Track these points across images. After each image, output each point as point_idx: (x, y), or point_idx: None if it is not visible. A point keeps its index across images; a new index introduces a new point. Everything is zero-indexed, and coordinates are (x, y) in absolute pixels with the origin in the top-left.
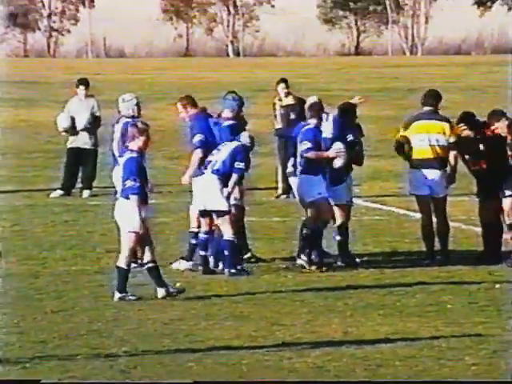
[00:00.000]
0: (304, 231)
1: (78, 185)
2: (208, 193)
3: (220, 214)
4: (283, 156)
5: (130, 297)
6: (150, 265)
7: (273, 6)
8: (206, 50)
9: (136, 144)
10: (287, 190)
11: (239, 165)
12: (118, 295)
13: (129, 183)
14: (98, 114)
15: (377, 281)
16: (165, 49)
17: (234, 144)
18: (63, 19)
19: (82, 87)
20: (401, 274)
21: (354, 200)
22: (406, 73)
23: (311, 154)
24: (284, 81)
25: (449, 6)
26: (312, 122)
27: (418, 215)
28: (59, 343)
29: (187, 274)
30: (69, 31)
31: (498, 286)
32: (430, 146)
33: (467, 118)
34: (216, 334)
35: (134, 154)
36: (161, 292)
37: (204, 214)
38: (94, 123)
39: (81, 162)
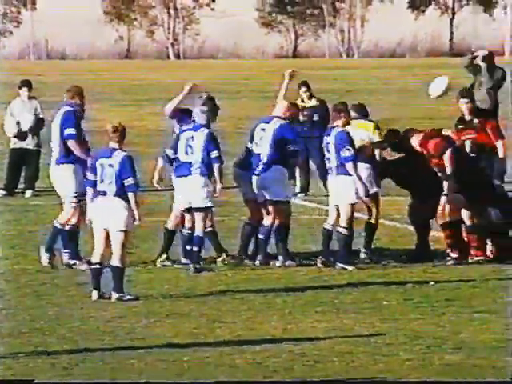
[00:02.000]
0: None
1: (21, 185)
2: (193, 192)
3: (201, 210)
4: (305, 156)
5: (128, 296)
6: (97, 266)
7: (212, 9)
8: (147, 52)
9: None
10: (306, 187)
11: (214, 154)
12: (115, 295)
13: (130, 181)
14: (41, 115)
15: (315, 278)
16: (106, 51)
17: (202, 137)
18: (5, 21)
19: (24, 89)
20: (338, 272)
21: (294, 200)
22: (343, 75)
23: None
24: (305, 84)
25: (384, 10)
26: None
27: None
28: (1, 342)
29: (129, 272)
30: (11, 33)
31: (431, 283)
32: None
33: (390, 137)
34: (157, 331)
35: (128, 153)
36: (112, 295)
37: (188, 211)
38: (38, 124)
39: (24, 162)
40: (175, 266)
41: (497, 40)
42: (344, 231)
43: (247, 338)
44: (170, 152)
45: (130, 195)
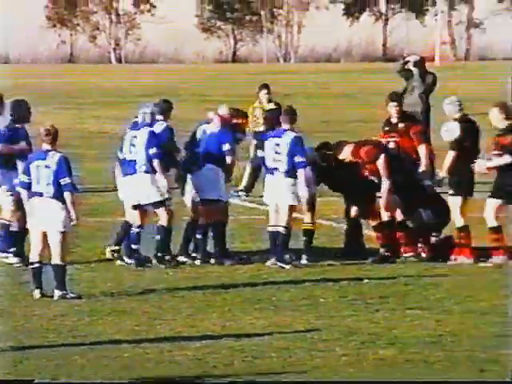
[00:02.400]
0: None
1: None
2: (141, 189)
3: (156, 205)
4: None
5: (71, 294)
6: (36, 265)
7: (153, 15)
8: (89, 56)
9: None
10: (250, 188)
11: (152, 150)
12: (58, 293)
13: (67, 180)
14: None
15: (253, 277)
16: (49, 55)
17: (144, 135)
18: None
19: None
20: (275, 270)
21: (233, 200)
22: (280, 79)
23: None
24: (266, 87)
25: (320, 16)
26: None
27: (294, 215)
28: None
29: (72, 271)
30: None
31: (366, 281)
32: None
33: (322, 149)
34: (99, 328)
35: (64, 154)
36: (36, 292)
37: (136, 208)
38: None
39: None
40: (118, 262)
41: (428, 46)
42: (283, 231)
43: (187, 334)
44: (119, 153)
45: (67, 195)
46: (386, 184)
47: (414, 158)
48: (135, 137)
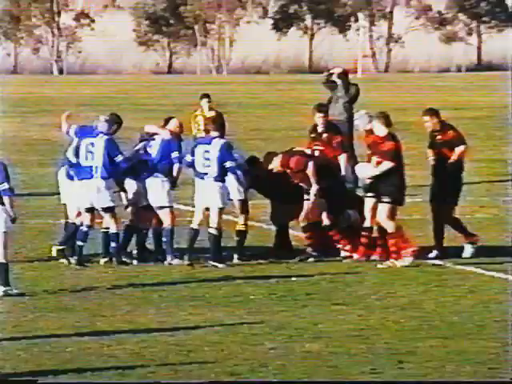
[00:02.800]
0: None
1: None
2: (96, 194)
3: (107, 210)
4: None
5: (15, 291)
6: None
7: (93, 29)
8: (33, 67)
9: None
10: None
11: (119, 158)
12: (2, 289)
13: (5, 186)
14: None
15: (188, 275)
16: None
17: (102, 143)
18: None
19: None
20: (209, 269)
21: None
22: (213, 90)
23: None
24: (207, 96)
25: (250, 31)
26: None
27: (230, 217)
28: None
29: (17, 270)
30: None
31: (294, 278)
32: None
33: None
34: (41, 324)
35: (1, 160)
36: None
37: (89, 210)
38: None
39: None
40: (64, 260)
41: (351, 59)
42: (215, 232)
43: (126, 330)
44: (73, 158)
45: (5, 199)
46: (314, 189)
47: (337, 165)
48: (92, 144)
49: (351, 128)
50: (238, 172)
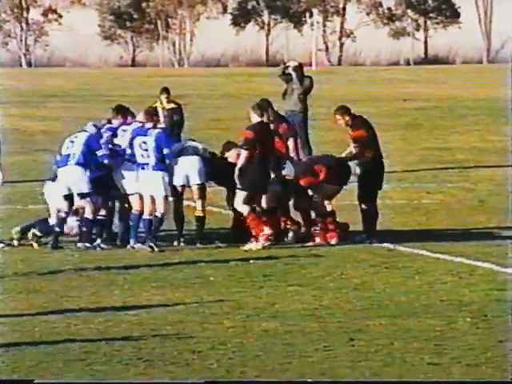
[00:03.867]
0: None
1: None
2: (73, 179)
3: (83, 196)
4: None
5: None
6: None
7: (60, 24)
8: (2, 60)
9: None
10: None
11: (100, 152)
12: None
13: None
14: None
15: (151, 258)
16: None
17: (84, 135)
18: None
19: None
20: (171, 253)
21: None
22: (175, 82)
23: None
24: (166, 90)
25: (210, 26)
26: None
27: (188, 202)
28: None
29: None
30: None
31: (251, 261)
32: None
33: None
34: (11, 305)
35: None
36: None
37: (67, 197)
38: None
39: None
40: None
41: (305, 53)
42: (160, 216)
43: (91, 309)
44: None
45: None
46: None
47: (285, 154)
48: (76, 137)
49: (306, 118)
50: (183, 158)
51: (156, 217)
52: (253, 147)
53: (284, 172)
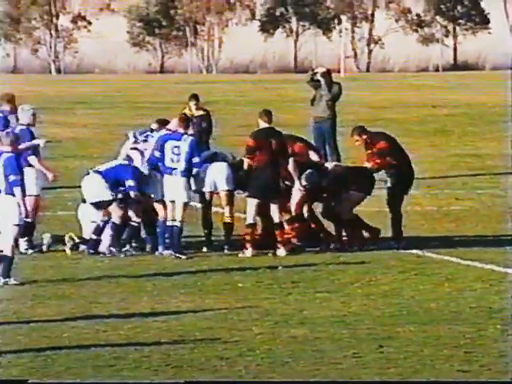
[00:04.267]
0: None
1: None
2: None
3: (108, 203)
4: None
5: (14, 281)
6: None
7: (89, 31)
8: (32, 67)
9: (9, 146)
10: None
11: (128, 183)
12: (2, 280)
13: (12, 178)
14: None
15: (180, 264)
16: None
17: (115, 164)
18: None
19: None
20: (200, 258)
21: None
22: (203, 88)
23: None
24: (195, 97)
25: (238, 32)
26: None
27: (217, 208)
28: None
29: (16, 260)
30: None
31: (279, 268)
32: None
33: None
34: (40, 311)
35: (10, 153)
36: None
37: (96, 205)
38: None
39: None
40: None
41: (334, 59)
42: (179, 224)
43: (120, 316)
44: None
45: (16, 191)
46: (296, 184)
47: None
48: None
49: (334, 125)
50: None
51: (174, 225)
52: (253, 154)
53: (304, 182)
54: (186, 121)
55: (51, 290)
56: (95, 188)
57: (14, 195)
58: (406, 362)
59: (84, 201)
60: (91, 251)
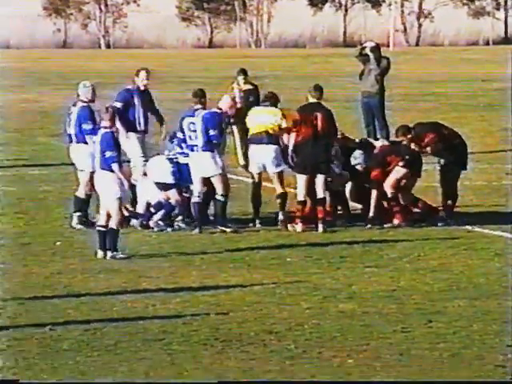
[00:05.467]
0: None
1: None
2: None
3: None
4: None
5: (121, 255)
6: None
7: (138, 5)
8: (82, 42)
9: (108, 121)
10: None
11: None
12: (110, 254)
13: (108, 154)
14: None
15: (228, 239)
16: (45, 41)
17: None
18: None
19: None
20: (248, 234)
21: None
22: (252, 63)
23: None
24: (243, 71)
25: (287, 6)
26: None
27: (264, 183)
28: None
29: (68, 233)
30: None
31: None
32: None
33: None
34: (91, 285)
35: (108, 130)
36: (107, 254)
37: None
38: None
39: None
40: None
41: (383, 33)
42: (222, 198)
43: (169, 290)
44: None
45: (113, 166)
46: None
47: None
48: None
49: (383, 100)
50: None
51: (217, 199)
52: (298, 127)
53: (354, 162)
54: (198, 96)
55: (101, 263)
56: (161, 169)
57: (109, 171)
58: (455, 337)
59: (145, 174)
60: (144, 222)
